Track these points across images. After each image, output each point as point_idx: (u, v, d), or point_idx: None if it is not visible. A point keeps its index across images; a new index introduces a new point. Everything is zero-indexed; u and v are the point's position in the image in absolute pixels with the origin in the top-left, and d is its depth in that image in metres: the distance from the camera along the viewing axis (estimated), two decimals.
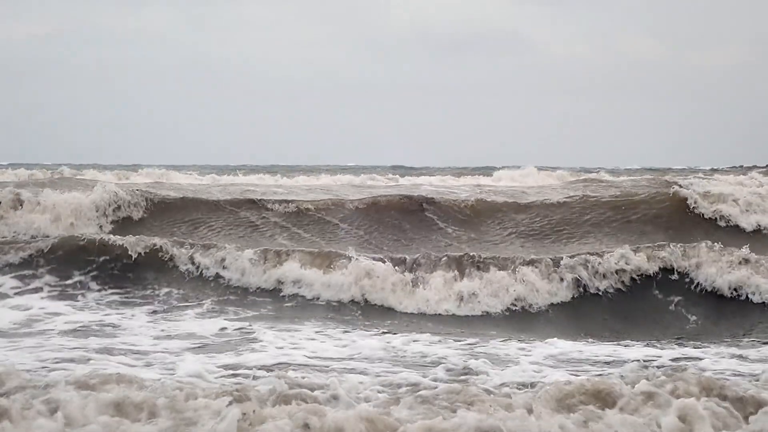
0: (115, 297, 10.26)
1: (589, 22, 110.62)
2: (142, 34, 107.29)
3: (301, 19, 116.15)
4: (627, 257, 10.36)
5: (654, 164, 48.44)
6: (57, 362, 6.78)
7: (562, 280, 10.14)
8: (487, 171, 32.74)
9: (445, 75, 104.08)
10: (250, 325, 8.72)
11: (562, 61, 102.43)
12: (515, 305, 9.87)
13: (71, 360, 6.87)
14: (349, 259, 10.45)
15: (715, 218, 13.54)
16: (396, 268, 10.27)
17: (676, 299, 9.96)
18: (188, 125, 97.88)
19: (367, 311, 9.76)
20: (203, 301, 10.05)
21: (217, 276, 10.76)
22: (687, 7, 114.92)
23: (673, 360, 7.42)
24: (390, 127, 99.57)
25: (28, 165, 34.33)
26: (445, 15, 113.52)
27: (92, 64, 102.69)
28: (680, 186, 14.52)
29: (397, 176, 27.33)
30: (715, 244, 10.52)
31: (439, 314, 9.69)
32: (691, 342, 8.47)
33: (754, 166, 43.97)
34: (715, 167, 45.11)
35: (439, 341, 8.04)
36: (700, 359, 7.39)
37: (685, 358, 7.52)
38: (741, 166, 44.53)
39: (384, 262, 10.42)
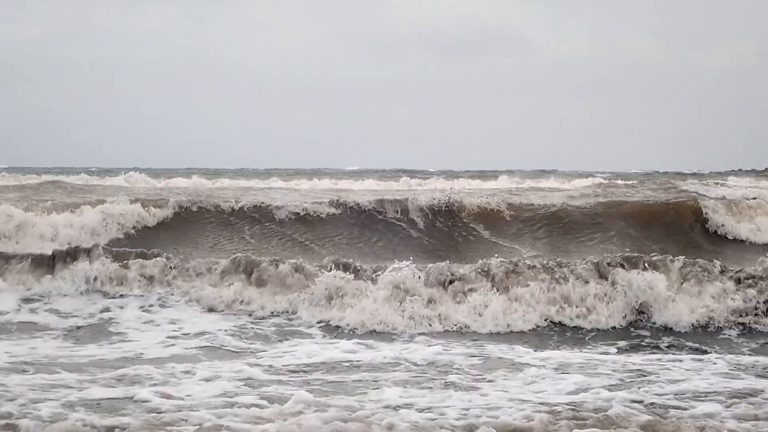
0: None
1: (591, 22, 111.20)
2: (141, 34, 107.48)
3: (302, 19, 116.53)
4: None
5: (655, 167, 48.95)
6: None
7: None
8: (493, 174, 33.23)
9: (446, 75, 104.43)
10: None
11: (564, 62, 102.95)
12: None
13: None
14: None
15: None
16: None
17: None
18: (188, 125, 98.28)
19: None
20: None
21: None
22: (689, 8, 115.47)
23: None
24: (390, 127, 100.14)
25: (24, 169, 34.02)
26: (447, 15, 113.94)
27: (92, 64, 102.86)
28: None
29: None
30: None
31: None
32: None
33: (753, 170, 44.46)
34: (715, 170, 45.53)
35: None
36: None
37: None
38: (740, 170, 44.93)
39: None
